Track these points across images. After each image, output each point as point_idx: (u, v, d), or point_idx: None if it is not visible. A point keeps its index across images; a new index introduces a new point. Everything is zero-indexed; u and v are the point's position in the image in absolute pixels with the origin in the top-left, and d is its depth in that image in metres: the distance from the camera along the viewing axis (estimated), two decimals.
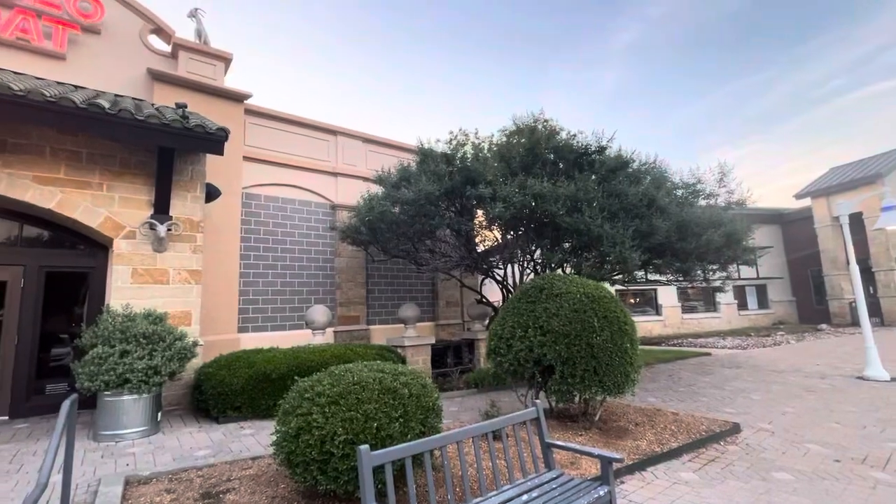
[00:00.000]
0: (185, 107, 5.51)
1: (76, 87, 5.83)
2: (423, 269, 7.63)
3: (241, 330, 8.02)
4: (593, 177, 6.48)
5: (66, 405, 2.16)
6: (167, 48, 7.95)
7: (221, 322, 7.55)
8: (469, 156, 6.58)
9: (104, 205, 5.39)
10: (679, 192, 7.24)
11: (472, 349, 8.92)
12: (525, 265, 7.51)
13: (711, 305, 18.35)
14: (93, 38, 7.18)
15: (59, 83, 5.74)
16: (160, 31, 7.88)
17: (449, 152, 6.55)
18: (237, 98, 8.14)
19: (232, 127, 6.81)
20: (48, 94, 4.47)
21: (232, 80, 7.39)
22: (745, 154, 62.35)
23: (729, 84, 57.63)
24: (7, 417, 5.28)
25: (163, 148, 5.51)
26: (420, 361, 7.83)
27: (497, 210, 5.58)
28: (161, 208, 5.67)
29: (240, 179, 8.12)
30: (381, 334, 9.66)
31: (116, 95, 6.12)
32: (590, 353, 4.02)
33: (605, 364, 4.01)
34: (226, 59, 8.33)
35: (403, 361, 7.18)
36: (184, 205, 5.91)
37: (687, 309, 17.81)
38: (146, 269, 5.55)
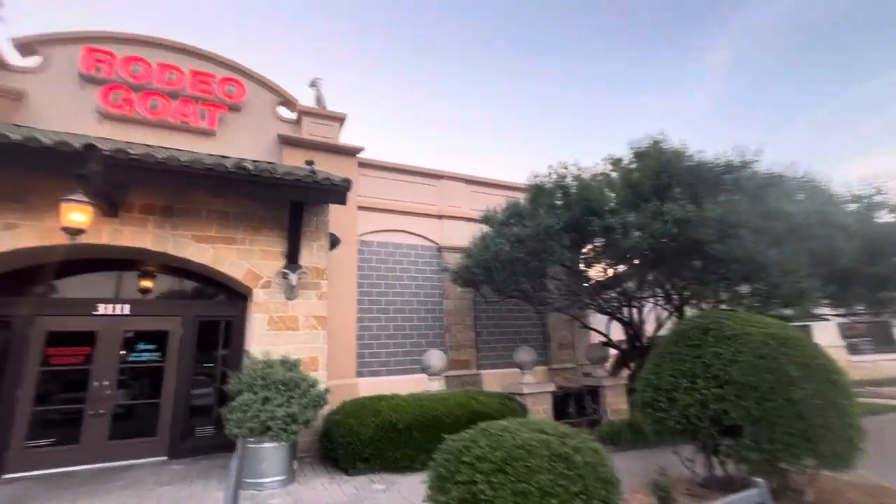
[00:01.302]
0: (313, 163, 5.89)
1: (223, 157, 6.60)
2: (542, 309, 7.14)
3: (358, 374, 8.11)
4: (736, 197, 5.61)
5: (234, 464, 2.06)
6: (292, 115, 8.85)
7: (340, 366, 7.69)
8: (586, 186, 6.12)
9: (246, 258, 5.86)
10: (853, 207, 5.96)
11: (595, 397, 8.01)
12: (663, 302, 6.64)
13: (889, 344, 14.89)
14: (235, 115, 8.22)
15: (210, 155, 6.56)
16: (287, 102, 8.84)
17: (565, 183, 6.15)
18: (351, 152, 8.69)
19: None
20: (207, 163, 5.02)
21: (345, 136, 8.14)
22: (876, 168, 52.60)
23: (842, 92, 49.99)
24: (166, 458, 5.72)
25: (294, 202, 5.90)
26: (541, 411, 7.16)
27: (631, 241, 5.00)
28: (292, 258, 6.01)
29: (355, 228, 8.51)
30: (492, 380, 9.17)
31: (254, 161, 6.81)
32: (792, 411, 3.17)
33: (818, 426, 3.12)
34: (340, 119, 9.03)
35: (525, 411, 6.61)
36: (311, 254, 6.22)
37: (853, 349, 14.65)
38: (279, 317, 5.84)
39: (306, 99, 9.01)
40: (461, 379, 8.89)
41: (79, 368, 5.50)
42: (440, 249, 9.65)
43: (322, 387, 4.97)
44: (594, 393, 8.08)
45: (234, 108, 8.20)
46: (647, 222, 5.17)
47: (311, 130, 8.67)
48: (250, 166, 5.25)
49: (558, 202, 5.96)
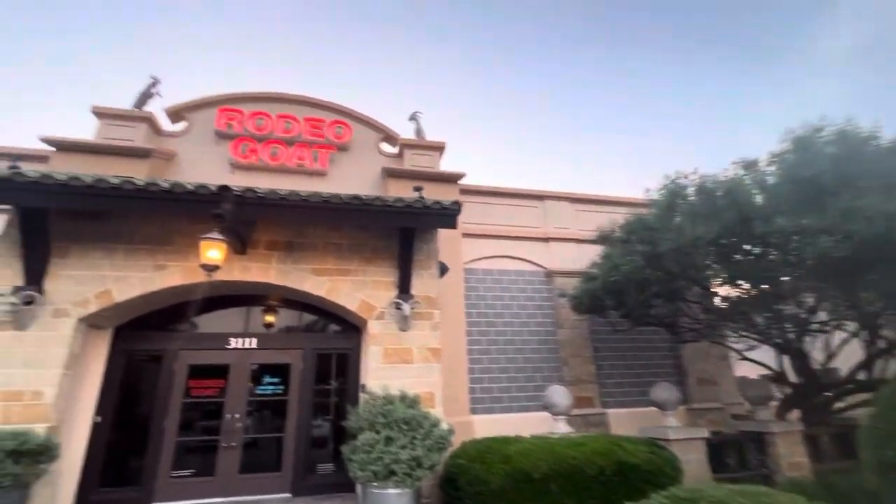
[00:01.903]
0: (422, 189, 5.73)
1: (333, 193, 6.79)
2: (684, 338, 6.04)
3: (471, 411, 7.57)
4: None
5: None
6: (394, 150, 9.05)
7: (454, 403, 7.23)
8: (737, 187, 5.09)
9: (360, 289, 5.79)
10: None
11: (761, 446, 6.50)
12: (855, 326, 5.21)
13: None
14: (343, 154, 8.60)
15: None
16: (389, 137, 9.08)
17: (708, 186, 5.18)
18: (452, 179, 8.55)
19: None
20: (324, 196, 5.08)
21: (446, 163, 8.13)
22: None
23: None
24: (290, 495, 5.66)
25: (404, 230, 5.76)
26: (693, 461, 5.92)
27: (821, 246, 3.91)
28: (404, 288, 5.82)
29: (460, 255, 8.22)
30: (620, 420, 8.02)
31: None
32: None
33: None
34: (440, 148, 9.02)
35: (675, 461, 5.48)
36: (422, 283, 5.98)
37: None
38: (394, 349, 5.61)
39: (406, 132, 9.20)
40: (585, 419, 7.89)
41: (214, 401, 5.75)
42: (549, 274, 8.94)
43: (445, 426, 4.53)
44: (758, 441, 6.57)
45: (343, 148, 8.59)
46: (835, 224, 4.05)
47: (413, 161, 8.74)
48: (363, 196, 5.22)
49: (696, 209, 5.02)
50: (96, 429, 5.29)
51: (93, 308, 5.03)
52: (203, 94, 8.46)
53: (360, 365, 6.22)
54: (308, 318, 6.59)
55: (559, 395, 6.03)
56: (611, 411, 8.20)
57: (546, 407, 6.22)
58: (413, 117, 9.45)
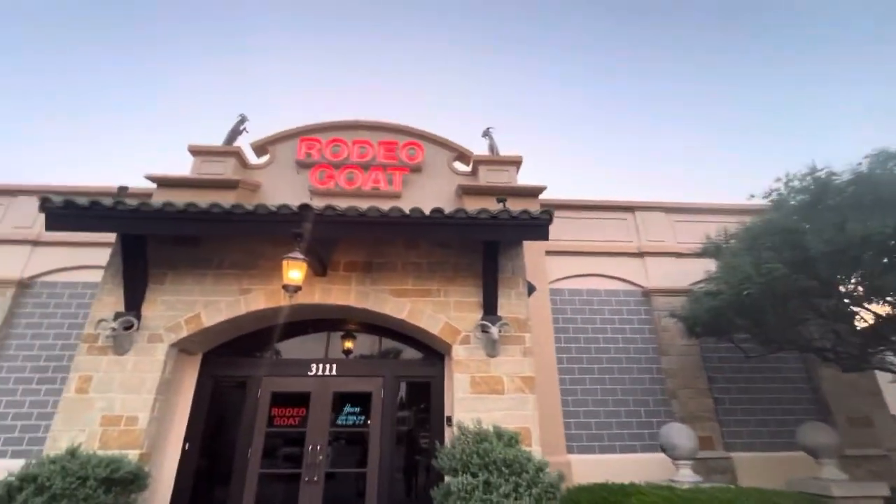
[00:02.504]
0: (506, 199, 5.25)
1: (414, 207, 6.53)
2: (848, 365, 4.82)
3: (568, 450, 6.68)
4: None
5: None
6: (467, 168, 8.74)
7: (547, 439, 6.41)
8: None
9: (442, 311, 5.35)
10: None
11: None
12: None
13: None
14: (416, 175, 8.42)
15: None
16: (462, 155, 8.80)
17: (874, 175, 4.07)
18: (533, 193, 7.99)
19: None
20: (404, 211, 4.78)
21: (523, 179, 7.70)
22: None
23: None
24: None
25: (488, 245, 5.28)
26: None
27: None
28: (490, 308, 5.28)
29: (545, 275, 7.55)
30: (750, 467, 6.66)
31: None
32: None
33: None
34: (516, 163, 8.55)
35: None
36: (509, 303, 5.42)
37: None
38: (482, 377, 5.04)
39: (479, 148, 8.88)
40: (704, 464, 6.63)
41: (296, 430, 5.51)
42: (647, 293, 7.92)
43: (554, 473, 3.82)
44: None
45: (416, 169, 8.43)
46: None
47: (488, 178, 8.33)
48: (443, 210, 4.84)
49: (860, 201, 3.97)
50: (185, 456, 5.24)
51: (184, 333, 5.06)
52: (284, 128, 8.82)
53: (444, 394, 5.70)
54: (388, 343, 6.24)
55: (681, 434, 5.04)
56: (737, 455, 6.85)
57: (663, 448, 5.24)
58: (486, 133, 9.14)
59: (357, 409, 5.70)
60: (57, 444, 4.52)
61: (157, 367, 4.90)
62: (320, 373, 5.73)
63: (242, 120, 8.89)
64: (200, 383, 5.58)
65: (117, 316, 4.92)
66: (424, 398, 5.86)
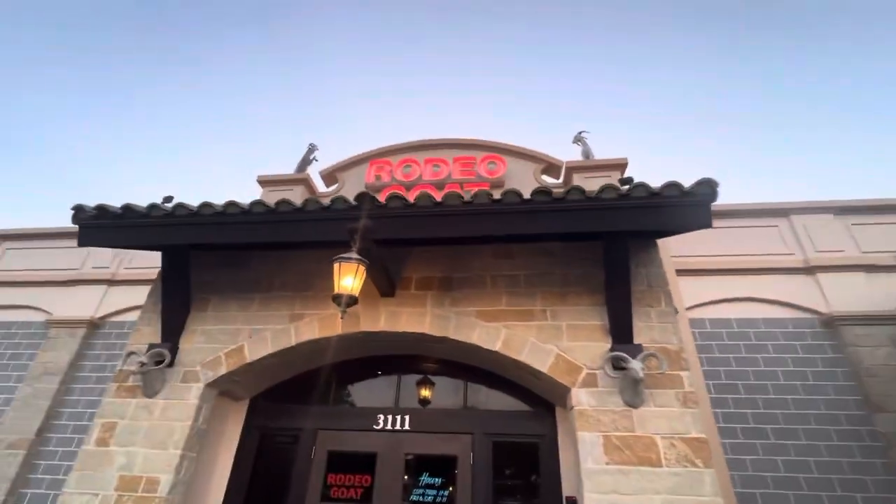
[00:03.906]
0: (632, 180, 3.76)
1: (509, 189, 5.24)
2: None
3: None
4: None
5: None
6: (557, 180, 7.39)
7: None
8: None
9: (551, 338, 3.81)
10: None
11: None
12: None
13: None
14: (498, 190, 7.18)
15: None
16: (551, 166, 7.49)
17: None
18: None
19: None
20: (495, 196, 3.50)
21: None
22: None
23: None
24: None
25: (610, 245, 3.77)
26: None
27: None
28: (622, 335, 3.66)
29: (680, 299, 5.69)
30: None
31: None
32: None
33: None
34: (620, 166, 7.00)
35: None
36: (649, 327, 3.74)
37: None
38: (622, 439, 3.33)
39: (570, 155, 7.53)
40: None
41: None
42: (829, 322, 5.64)
43: None
44: None
45: (497, 185, 7.21)
46: None
47: (587, 186, 6.85)
48: (552, 190, 3.48)
49: None
50: None
51: (223, 370, 4.04)
52: (353, 154, 8.25)
53: (559, 462, 4.00)
54: (477, 389, 4.71)
55: None
56: None
57: None
58: (578, 139, 7.80)
59: (437, 481, 4.17)
60: None
61: (189, 413, 3.87)
62: (389, 426, 4.35)
63: (312, 149, 8.48)
64: (245, 436, 4.46)
65: (150, 348, 4.06)
66: (530, 467, 4.18)
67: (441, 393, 4.72)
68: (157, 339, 4.20)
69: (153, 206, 3.80)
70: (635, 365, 3.32)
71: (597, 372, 3.61)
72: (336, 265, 3.17)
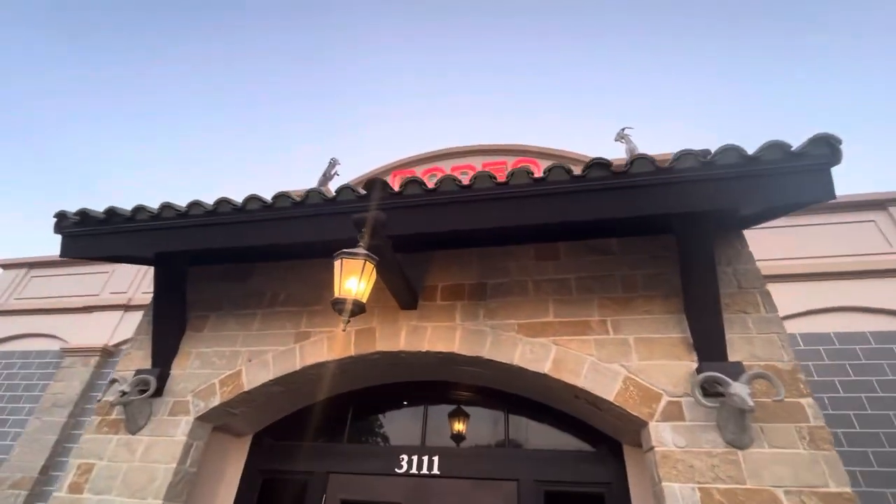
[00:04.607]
0: (709, 151, 2.95)
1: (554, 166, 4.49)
2: None
3: None
4: None
5: None
6: None
7: None
8: None
9: (616, 356, 2.97)
10: None
11: None
12: None
13: None
14: None
15: None
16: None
17: None
18: None
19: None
20: (537, 175, 2.79)
21: None
22: None
23: None
24: None
25: (688, 232, 2.96)
26: None
27: None
28: (711, 350, 2.78)
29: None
30: None
31: None
32: None
33: None
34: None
35: None
36: (746, 340, 2.86)
37: None
38: (727, 493, 2.41)
39: (615, 152, 6.78)
40: None
41: None
42: None
43: None
44: None
45: None
46: None
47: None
48: (607, 161, 2.73)
49: None
50: None
51: (216, 400, 3.40)
52: (375, 166, 7.79)
53: None
54: (521, 422, 3.84)
55: None
56: None
57: None
58: (621, 136, 7.01)
59: None
60: None
61: (175, 453, 3.23)
62: (415, 470, 3.55)
63: (333, 164, 8.06)
64: (245, 481, 3.76)
65: (136, 374, 3.48)
66: None
67: (477, 428, 3.88)
68: (149, 365, 3.63)
69: (139, 209, 3.31)
70: (739, 390, 2.44)
71: (681, 400, 2.73)
72: (337, 263, 2.51)
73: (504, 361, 3.11)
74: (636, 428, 2.89)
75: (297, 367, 3.41)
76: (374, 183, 2.88)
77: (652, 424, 2.70)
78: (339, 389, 3.95)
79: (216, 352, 3.65)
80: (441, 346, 3.26)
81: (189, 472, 3.29)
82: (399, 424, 3.95)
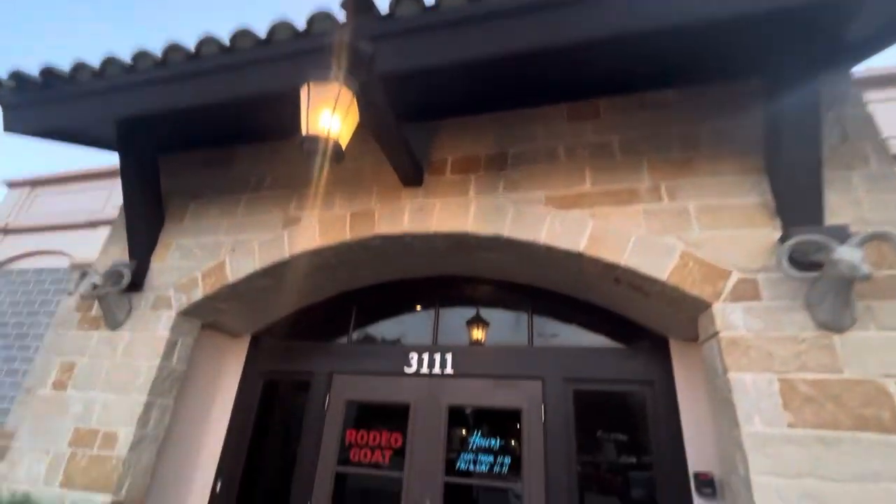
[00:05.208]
0: None
1: None
2: None
3: None
4: None
5: None
6: None
7: None
8: None
9: (670, 229, 2.35)
10: None
11: None
12: None
13: None
14: None
15: None
16: None
17: None
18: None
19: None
20: None
21: None
22: None
23: None
24: None
25: (780, 67, 2.17)
26: None
27: None
28: (803, 212, 2.12)
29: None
30: None
31: None
32: None
33: None
34: None
35: None
36: (853, 202, 2.18)
37: None
38: (817, 384, 1.88)
39: None
40: None
41: (385, 475, 3.01)
42: None
43: None
44: None
45: None
46: None
47: None
48: None
49: None
50: (212, 501, 3.14)
51: (199, 294, 3.01)
52: None
53: (679, 421, 2.62)
54: (547, 323, 3.34)
55: None
56: None
57: None
58: None
59: (494, 443, 2.96)
60: (15, 471, 2.76)
61: (157, 349, 2.90)
62: (426, 369, 3.17)
63: None
64: (245, 383, 3.49)
65: (113, 266, 3.10)
66: (632, 428, 2.84)
67: (496, 329, 3.42)
68: (126, 259, 3.24)
69: (80, 67, 2.71)
70: (848, 255, 1.80)
71: (757, 276, 2.13)
72: (303, 91, 1.88)
73: (528, 240, 2.54)
74: (692, 314, 2.34)
75: (286, 255, 2.94)
76: (355, 2, 2.15)
77: (717, 306, 2.13)
78: (340, 288, 3.52)
79: (198, 242, 3.21)
80: (452, 226, 2.69)
81: (176, 369, 2.98)
82: (408, 325, 3.53)
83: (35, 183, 8.03)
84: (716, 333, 2.11)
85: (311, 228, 2.96)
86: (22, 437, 2.85)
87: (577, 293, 3.06)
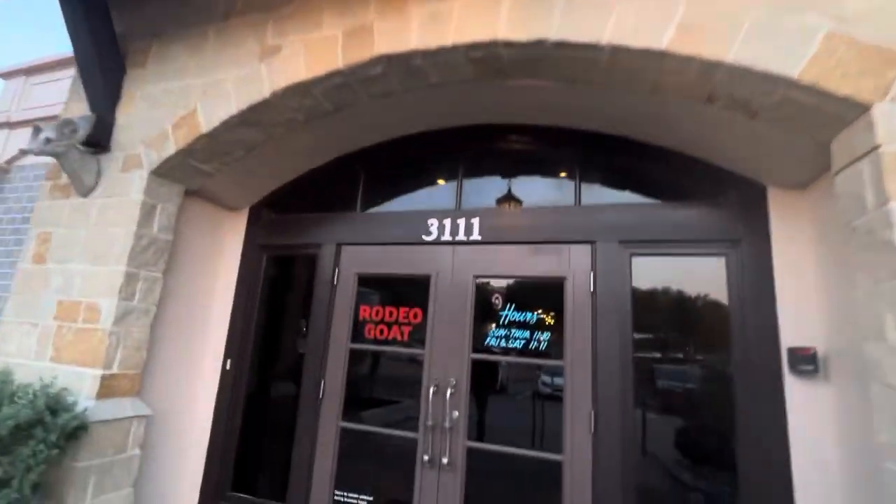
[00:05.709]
0: None
1: None
2: None
3: None
4: None
5: None
6: None
7: None
8: None
9: (806, 3, 1.53)
10: None
11: None
12: None
13: None
14: None
15: None
16: None
17: None
18: None
19: None
20: None
21: None
22: None
23: None
24: None
25: None
26: None
27: None
28: None
29: None
30: None
31: None
32: None
33: None
34: None
35: None
36: None
37: None
38: None
39: None
40: None
41: (404, 351, 2.67)
42: None
43: None
44: None
45: None
46: None
47: None
48: None
49: None
50: (225, 382, 2.95)
51: (171, 148, 2.49)
52: None
53: (773, 286, 2.05)
54: (597, 173, 2.66)
55: None
56: None
57: None
58: None
59: (531, 317, 2.50)
60: (5, 345, 2.56)
61: (132, 214, 2.48)
62: (447, 236, 2.65)
63: None
64: (246, 258, 3.11)
65: (66, 123, 2.58)
66: (706, 297, 2.29)
67: (536, 182, 2.78)
68: (87, 112, 2.70)
69: None
70: None
71: None
72: None
73: (587, 41, 1.79)
74: (824, 135, 1.62)
75: (266, 93, 2.31)
76: None
77: (881, 107, 1.41)
78: (343, 148, 2.93)
79: (164, 88, 2.61)
80: (476, 33, 1.95)
81: (159, 238, 2.58)
82: (426, 191, 2.96)
83: (28, 71, 7.45)
84: (874, 148, 1.41)
85: (295, 57, 2.28)
86: (8, 312, 2.62)
87: (642, 133, 2.35)
